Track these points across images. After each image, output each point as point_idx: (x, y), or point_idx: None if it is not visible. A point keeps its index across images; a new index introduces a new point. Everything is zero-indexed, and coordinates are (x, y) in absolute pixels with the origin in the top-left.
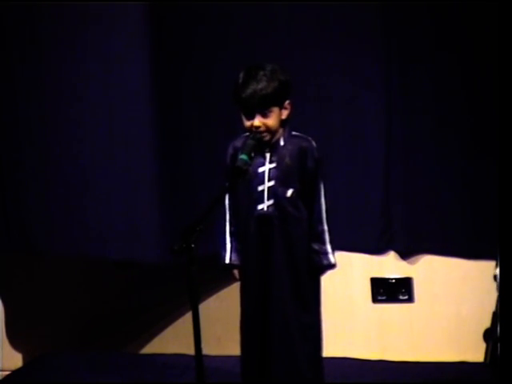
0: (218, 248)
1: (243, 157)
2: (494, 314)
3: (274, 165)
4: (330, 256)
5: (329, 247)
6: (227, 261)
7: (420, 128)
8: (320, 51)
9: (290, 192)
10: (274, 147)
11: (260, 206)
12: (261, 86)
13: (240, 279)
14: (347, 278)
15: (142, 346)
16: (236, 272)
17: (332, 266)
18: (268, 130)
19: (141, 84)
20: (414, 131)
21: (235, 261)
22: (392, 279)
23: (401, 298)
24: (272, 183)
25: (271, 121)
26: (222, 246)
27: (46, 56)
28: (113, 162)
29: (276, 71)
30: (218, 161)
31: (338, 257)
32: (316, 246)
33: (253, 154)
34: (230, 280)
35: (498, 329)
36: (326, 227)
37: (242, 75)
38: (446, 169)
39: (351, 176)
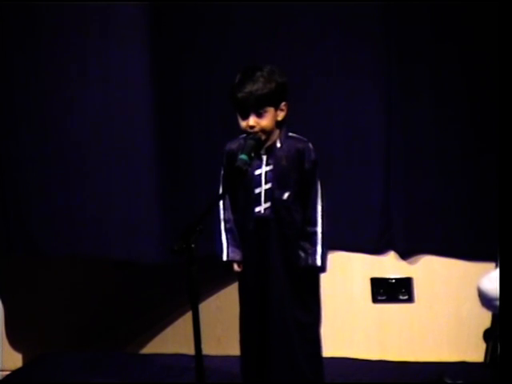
0: (217, 247)
1: (243, 157)
2: (494, 314)
3: (270, 167)
4: (318, 257)
5: (319, 249)
6: (225, 258)
7: (420, 128)
8: (320, 50)
9: (286, 195)
10: (270, 149)
11: (257, 209)
12: (257, 86)
13: (240, 272)
14: (347, 278)
15: (142, 346)
16: (235, 265)
17: (316, 268)
18: (262, 130)
19: (141, 84)
20: (414, 131)
21: (233, 256)
22: (392, 279)
23: (401, 298)
24: (269, 186)
25: (266, 121)
26: (219, 245)
27: (46, 53)
28: (113, 162)
29: (274, 72)
30: (218, 161)
31: (338, 257)
32: (305, 245)
33: (253, 154)
34: (230, 280)
35: (498, 329)
36: (319, 229)
37: (239, 75)
38: (446, 169)
39: (351, 176)
